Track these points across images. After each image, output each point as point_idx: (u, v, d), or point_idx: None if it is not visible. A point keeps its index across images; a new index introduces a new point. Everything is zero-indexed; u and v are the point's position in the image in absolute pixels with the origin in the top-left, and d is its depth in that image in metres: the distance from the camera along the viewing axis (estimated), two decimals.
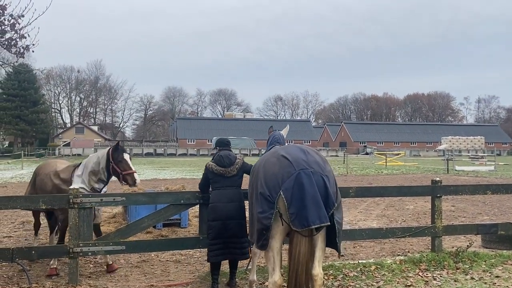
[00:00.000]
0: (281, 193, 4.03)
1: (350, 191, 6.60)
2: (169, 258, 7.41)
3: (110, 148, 6.41)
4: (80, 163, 6.60)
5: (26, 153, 53.99)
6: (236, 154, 5.95)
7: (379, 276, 6.09)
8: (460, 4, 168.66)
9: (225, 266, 6.01)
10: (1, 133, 78.50)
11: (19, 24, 5.58)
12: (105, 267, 6.76)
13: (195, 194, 6.17)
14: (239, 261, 5.90)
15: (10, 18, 5.51)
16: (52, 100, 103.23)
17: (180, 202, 6.14)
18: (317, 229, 4.10)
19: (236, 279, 5.88)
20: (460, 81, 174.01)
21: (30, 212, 11.70)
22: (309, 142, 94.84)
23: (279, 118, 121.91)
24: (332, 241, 4.34)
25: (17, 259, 5.55)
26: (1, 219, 11.20)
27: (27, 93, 69.86)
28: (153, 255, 7.48)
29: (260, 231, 4.14)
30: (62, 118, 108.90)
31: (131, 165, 6.34)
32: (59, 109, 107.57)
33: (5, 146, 73.47)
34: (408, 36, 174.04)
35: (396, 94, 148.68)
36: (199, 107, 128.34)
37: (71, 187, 5.93)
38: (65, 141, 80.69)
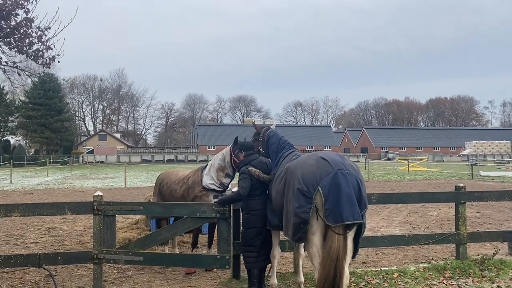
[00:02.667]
0: (319, 188, 4.25)
1: (372, 197, 6.54)
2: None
3: (231, 145, 6.82)
4: (206, 165, 7.09)
5: (51, 160, 55.22)
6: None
7: (402, 284, 6.00)
8: (485, 7, 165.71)
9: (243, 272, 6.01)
10: (27, 141, 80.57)
11: (45, 35, 5.77)
12: (128, 272, 6.87)
13: (211, 207, 5.79)
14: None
15: (37, 30, 5.71)
16: (76, 109, 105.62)
17: (195, 215, 5.80)
18: (349, 227, 4.30)
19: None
20: (485, 85, 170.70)
21: (55, 219, 12.03)
22: (330, 148, 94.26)
23: (299, 123, 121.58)
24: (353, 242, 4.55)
25: (43, 265, 5.68)
26: (28, 225, 11.48)
27: (52, 102, 71.67)
28: None
29: (298, 225, 4.37)
30: (85, 126, 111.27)
31: None
32: (83, 117, 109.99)
33: (31, 153, 75.30)
34: (430, 40, 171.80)
35: (418, 99, 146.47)
36: (219, 113, 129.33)
37: (203, 184, 6.63)
38: (88, 149, 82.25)
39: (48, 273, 6.40)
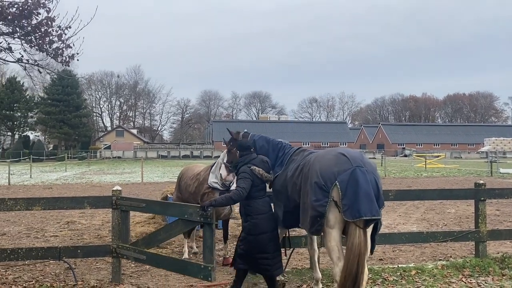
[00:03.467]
0: (337, 183, 4.28)
1: (390, 194, 6.50)
2: None
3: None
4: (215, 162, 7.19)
5: (69, 155, 56.13)
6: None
7: (420, 281, 5.95)
8: (505, 1, 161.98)
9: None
10: (46, 136, 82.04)
11: (65, 34, 5.85)
12: (145, 266, 6.96)
13: (196, 209, 5.08)
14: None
15: (58, 29, 5.79)
16: (94, 105, 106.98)
17: (184, 216, 5.31)
18: (367, 223, 4.31)
19: (287, 276, 5.82)
20: (504, 81, 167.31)
21: (74, 213, 12.23)
22: (346, 144, 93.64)
23: (314, 120, 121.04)
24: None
25: (63, 257, 5.79)
26: (48, 219, 11.70)
27: (70, 98, 72.81)
28: (191, 255, 7.62)
29: (315, 217, 4.43)
30: (103, 122, 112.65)
31: None
32: (100, 113, 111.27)
33: (49, 149, 76.65)
34: (450, 35, 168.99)
35: (435, 95, 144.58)
36: (234, 109, 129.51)
37: (208, 182, 6.60)
38: (106, 144, 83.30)
39: (68, 266, 6.54)
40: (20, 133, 73.62)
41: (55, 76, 66.96)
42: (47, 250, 5.75)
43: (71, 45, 5.98)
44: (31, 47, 5.90)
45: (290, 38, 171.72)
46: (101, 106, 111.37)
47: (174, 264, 5.58)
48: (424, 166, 36.41)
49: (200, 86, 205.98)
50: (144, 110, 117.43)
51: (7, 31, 5.67)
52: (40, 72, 6.30)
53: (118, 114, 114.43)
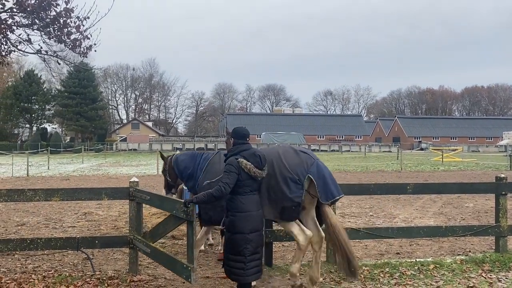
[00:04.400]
0: (310, 176, 5.02)
1: (408, 187, 6.40)
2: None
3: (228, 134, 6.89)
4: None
5: (85, 148, 56.87)
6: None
7: (439, 276, 5.87)
8: None
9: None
10: (63, 128, 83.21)
11: (83, 26, 5.88)
12: None
13: (181, 205, 4.84)
14: None
15: (76, 20, 5.82)
16: (110, 97, 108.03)
17: (173, 212, 5.13)
18: (333, 202, 5.30)
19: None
20: None
21: (91, 204, 12.40)
22: (361, 137, 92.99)
23: (329, 112, 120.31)
24: None
25: (82, 248, 5.85)
26: (66, 210, 11.87)
27: (87, 91, 73.60)
28: (207, 247, 7.64)
29: (290, 208, 5.03)
30: (118, 114, 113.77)
31: None
32: (116, 105, 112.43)
33: (66, 141, 77.76)
34: (467, 27, 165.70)
35: (453, 87, 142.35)
36: (248, 102, 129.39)
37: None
38: (121, 137, 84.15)
39: (85, 256, 6.64)
40: (38, 125, 74.77)
41: (72, 68, 67.73)
42: (66, 240, 5.82)
43: (89, 36, 6.01)
44: (49, 38, 5.94)
45: (305, 30, 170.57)
46: (117, 99, 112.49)
47: (167, 261, 5.32)
48: (441, 159, 35.93)
49: (214, 79, 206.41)
50: (159, 103, 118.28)
51: (26, 23, 5.72)
52: (59, 64, 6.35)
53: (133, 107, 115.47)
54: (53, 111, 76.28)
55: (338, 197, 5.12)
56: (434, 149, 49.47)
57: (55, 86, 79.96)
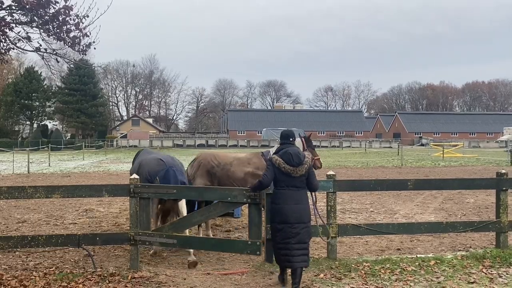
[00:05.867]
0: (157, 178, 6.63)
1: (408, 183, 6.40)
2: None
3: (303, 137, 7.41)
4: (267, 151, 7.83)
5: (86, 144, 56.88)
6: (304, 152, 5.84)
7: (439, 272, 5.87)
8: None
9: None
10: (64, 125, 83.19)
11: (82, 23, 5.85)
12: (163, 254, 7.04)
13: (243, 191, 5.85)
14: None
15: (75, 17, 5.79)
16: (110, 94, 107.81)
17: (227, 199, 5.87)
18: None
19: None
20: None
21: (92, 201, 12.39)
22: (361, 133, 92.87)
23: (329, 108, 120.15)
24: None
25: (83, 245, 5.86)
26: (67, 206, 11.88)
27: (87, 88, 73.54)
28: None
29: None
30: (119, 111, 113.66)
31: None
32: (116, 102, 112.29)
33: (67, 138, 77.77)
34: (468, 22, 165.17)
35: (453, 83, 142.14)
36: (249, 98, 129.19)
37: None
38: (122, 133, 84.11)
39: (87, 253, 6.64)
40: (39, 122, 74.76)
41: (72, 65, 67.50)
42: (67, 237, 5.82)
43: (88, 33, 5.98)
44: (48, 36, 5.91)
45: (305, 26, 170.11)
46: (117, 96, 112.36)
47: (215, 244, 6.12)
48: (442, 155, 35.91)
49: (214, 75, 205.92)
50: (160, 99, 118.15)
51: (25, 20, 5.70)
52: (58, 62, 6.33)
53: (134, 103, 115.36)
54: (53, 108, 76.23)
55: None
56: (435, 145, 49.43)
57: (55, 83, 79.79)
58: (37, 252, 7.02)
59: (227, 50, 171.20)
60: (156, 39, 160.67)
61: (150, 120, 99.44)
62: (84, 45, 6.12)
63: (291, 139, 5.61)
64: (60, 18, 5.69)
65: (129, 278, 5.59)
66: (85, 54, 6.32)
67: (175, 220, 6.90)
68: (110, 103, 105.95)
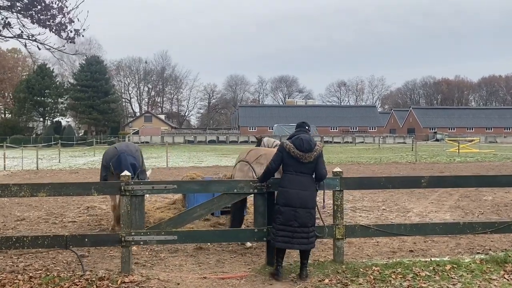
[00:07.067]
0: (111, 164, 7.81)
1: (422, 180, 5.88)
2: (225, 247, 7.13)
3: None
4: (265, 138, 8.46)
5: (98, 141, 57.04)
6: (316, 140, 5.77)
7: (456, 277, 5.36)
8: None
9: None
10: (77, 122, 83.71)
11: (66, 7, 5.47)
12: (160, 255, 6.66)
13: (249, 183, 5.79)
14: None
15: (57, 1, 5.41)
16: (123, 90, 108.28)
17: (233, 191, 5.77)
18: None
19: (308, 269, 5.52)
20: None
21: (96, 198, 12.09)
22: (375, 129, 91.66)
23: (342, 104, 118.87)
24: None
25: (71, 246, 5.50)
26: (69, 204, 11.60)
27: (99, 84, 73.75)
28: (209, 244, 7.25)
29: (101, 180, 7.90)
30: (132, 108, 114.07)
31: None
32: (129, 98, 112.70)
33: (80, 134, 78.23)
34: (484, 15, 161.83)
35: (469, 77, 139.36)
36: (261, 94, 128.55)
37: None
38: (134, 130, 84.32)
39: (80, 254, 6.31)
40: (51, 119, 75.30)
41: (83, 61, 67.58)
42: (54, 238, 5.46)
43: (74, 19, 5.59)
44: (33, 23, 5.55)
45: (317, 21, 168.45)
46: (130, 92, 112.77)
47: (220, 235, 6.14)
48: (457, 150, 35.01)
49: (226, 71, 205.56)
50: (172, 95, 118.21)
51: (6, 4, 5.33)
52: (39, 49, 5.96)
53: (146, 100, 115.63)
54: (65, 105, 76.67)
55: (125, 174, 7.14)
56: (450, 140, 48.35)
57: (67, 80, 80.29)
58: (30, 253, 6.69)
59: (239, 46, 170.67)
60: (168, 35, 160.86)
61: (163, 117, 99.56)
62: (69, 32, 5.72)
63: (306, 128, 5.78)
64: (42, 3, 5.29)
65: (118, 282, 5.20)
66: (74, 42, 5.93)
67: (174, 216, 6.58)
68: (123, 100, 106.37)
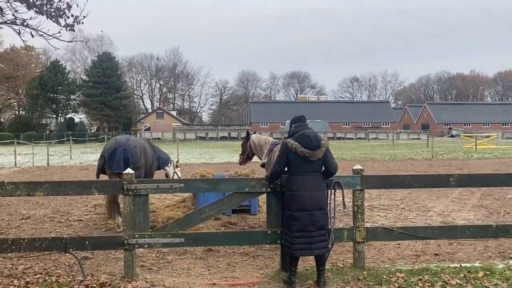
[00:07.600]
0: (105, 155, 7.78)
1: (451, 179, 5.37)
2: (236, 249, 6.70)
3: None
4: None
5: (110, 137, 57.07)
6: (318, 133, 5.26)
7: (491, 286, 4.87)
8: None
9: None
10: (89, 118, 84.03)
11: None
12: (168, 257, 6.27)
13: (261, 181, 5.37)
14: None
15: None
16: (134, 87, 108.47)
17: (244, 190, 5.36)
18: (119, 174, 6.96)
19: (326, 275, 5.09)
20: None
21: (102, 196, 11.76)
22: (388, 125, 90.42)
23: (355, 99, 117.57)
24: None
25: (70, 250, 5.12)
26: (77, 201, 11.30)
27: (111, 80, 73.77)
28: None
29: (98, 171, 8.17)
30: (144, 104, 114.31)
31: None
32: (141, 95, 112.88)
33: (92, 131, 78.53)
34: (500, 9, 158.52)
35: (484, 72, 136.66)
36: (272, 90, 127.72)
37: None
38: (146, 126, 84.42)
39: (83, 256, 5.96)
40: (64, 115, 75.65)
41: (95, 58, 67.45)
42: (52, 241, 5.09)
43: (72, 4, 5.18)
44: (29, 9, 5.17)
45: (330, 17, 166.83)
46: (142, 89, 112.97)
47: (230, 237, 5.66)
48: (474, 147, 34.11)
49: (238, 67, 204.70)
50: (183, 92, 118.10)
51: None
52: (33, 36, 5.57)
53: (158, 96, 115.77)
54: (78, 101, 76.94)
55: (115, 171, 7.57)
56: (466, 136, 47.31)
57: (80, 76, 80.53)
58: (31, 254, 6.34)
59: (250, 42, 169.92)
60: (179, 32, 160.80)
61: (174, 113, 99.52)
62: (67, 18, 5.33)
63: (306, 122, 5.33)
64: None
65: None
66: (73, 30, 5.54)
67: (181, 217, 6.17)
68: (135, 96, 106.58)
